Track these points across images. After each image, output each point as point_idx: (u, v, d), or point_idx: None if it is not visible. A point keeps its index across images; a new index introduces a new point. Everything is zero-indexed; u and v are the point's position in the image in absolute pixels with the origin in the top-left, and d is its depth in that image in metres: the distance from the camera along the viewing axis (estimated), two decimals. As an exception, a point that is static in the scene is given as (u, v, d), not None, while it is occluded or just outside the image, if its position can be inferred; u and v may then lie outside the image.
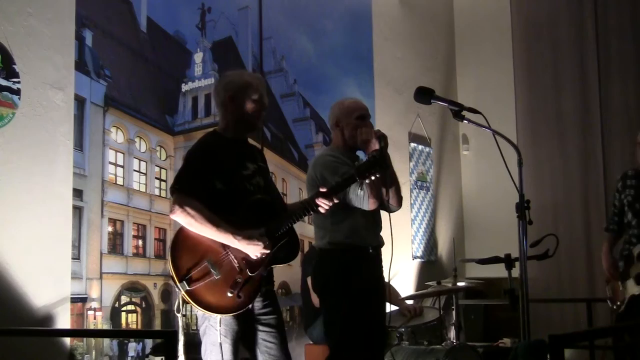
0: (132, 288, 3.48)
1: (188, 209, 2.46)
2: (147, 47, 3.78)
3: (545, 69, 6.49)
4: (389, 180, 2.90)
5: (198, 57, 4.05)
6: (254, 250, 2.49)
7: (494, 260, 3.35)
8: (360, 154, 3.13)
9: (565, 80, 6.39)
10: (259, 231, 2.54)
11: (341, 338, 2.91)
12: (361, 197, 2.85)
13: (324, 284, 3.03)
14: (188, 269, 2.44)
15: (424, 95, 2.75)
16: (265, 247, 2.50)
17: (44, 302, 2.99)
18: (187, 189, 2.52)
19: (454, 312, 4.21)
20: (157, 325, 3.61)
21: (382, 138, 2.85)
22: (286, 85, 4.83)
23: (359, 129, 2.96)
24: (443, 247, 6.55)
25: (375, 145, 2.84)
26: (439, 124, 6.68)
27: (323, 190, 2.61)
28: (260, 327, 2.61)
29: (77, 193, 3.22)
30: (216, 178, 2.57)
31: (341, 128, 3.09)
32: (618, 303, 3.94)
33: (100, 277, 3.31)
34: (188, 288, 2.41)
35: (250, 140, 2.86)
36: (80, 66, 3.31)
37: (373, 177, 2.62)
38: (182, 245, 2.49)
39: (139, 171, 3.62)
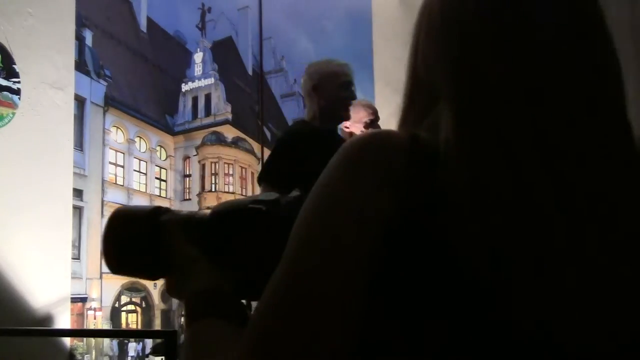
0: (132, 288, 3.49)
1: None
2: (147, 47, 3.78)
3: (545, 69, 6.49)
4: None
5: (198, 57, 4.05)
6: None
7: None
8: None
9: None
10: None
11: None
12: None
13: None
14: None
15: (424, 95, 2.74)
16: None
17: (44, 302, 2.99)
18: (274, 180, 2.48)
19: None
20: (157, 325, 3.62)
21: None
22: (286, 85, 4.83)
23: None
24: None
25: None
26: (439, 124, 6.68)
27: None
28: None
29: (77, 193, 3.23)
30: (300, 168, 2.53)
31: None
32: None
33: (100, 277, 3.32)
34: None
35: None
36: (80, 66, 3.31)
37: None
38: None
39: (139, 171, 3.62)
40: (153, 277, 0.72)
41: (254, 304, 0.60)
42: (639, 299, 0.50)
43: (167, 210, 0.69)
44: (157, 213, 0.68)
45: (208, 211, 0.68)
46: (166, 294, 0.71)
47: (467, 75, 0.55)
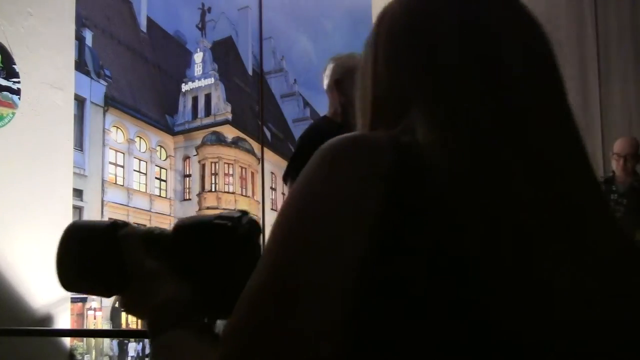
0: (132, 288, 3.49)
1: None
2: (147, 47, 3.78)
3: (545, 69, 6.49)
4: None
5: (198, 57, 4.05)
6: None
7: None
8: None
9: (565, 80, 6.39)
10: None
11: None
12: None
13: None
14: None
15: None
16: None
17: (44, 302, 2.99)
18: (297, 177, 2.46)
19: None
20: (157, 325, 3.62)
21: None
22: (286, 85, 4.84)
23: None
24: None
25: None
26: (439, 124, 6.69)
27: None
28: None
29: (77, 193, 3.23)
30: None
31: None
32: None
33: (100, 277, 3.32)
34: None
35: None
36: (80, 66, 3.31)
37: None
38: None
39: (139, 171, 3.62)
40: (109, 294, 0.71)
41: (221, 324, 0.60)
42: (626, 301, 0.51)
43: (124, 224, 0.68)
44: (114, 227, 0.67)
45: (166, 227, 0.69)
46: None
47: (438, 81, 0.55)
